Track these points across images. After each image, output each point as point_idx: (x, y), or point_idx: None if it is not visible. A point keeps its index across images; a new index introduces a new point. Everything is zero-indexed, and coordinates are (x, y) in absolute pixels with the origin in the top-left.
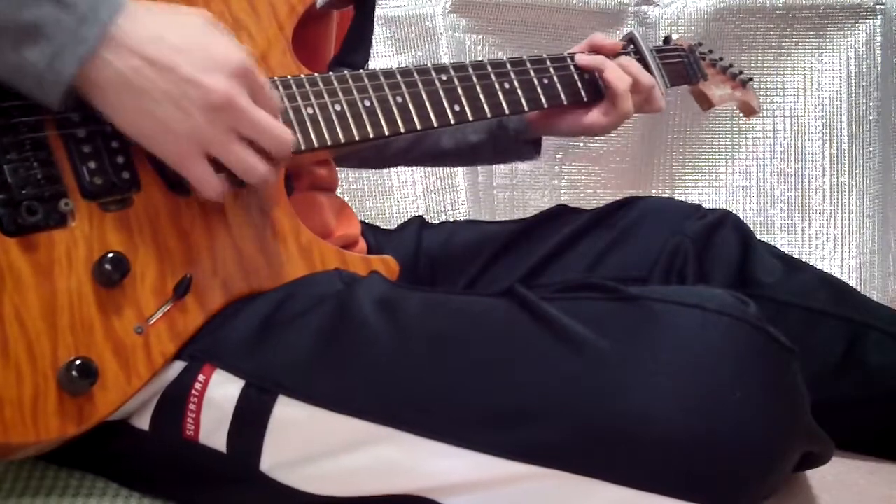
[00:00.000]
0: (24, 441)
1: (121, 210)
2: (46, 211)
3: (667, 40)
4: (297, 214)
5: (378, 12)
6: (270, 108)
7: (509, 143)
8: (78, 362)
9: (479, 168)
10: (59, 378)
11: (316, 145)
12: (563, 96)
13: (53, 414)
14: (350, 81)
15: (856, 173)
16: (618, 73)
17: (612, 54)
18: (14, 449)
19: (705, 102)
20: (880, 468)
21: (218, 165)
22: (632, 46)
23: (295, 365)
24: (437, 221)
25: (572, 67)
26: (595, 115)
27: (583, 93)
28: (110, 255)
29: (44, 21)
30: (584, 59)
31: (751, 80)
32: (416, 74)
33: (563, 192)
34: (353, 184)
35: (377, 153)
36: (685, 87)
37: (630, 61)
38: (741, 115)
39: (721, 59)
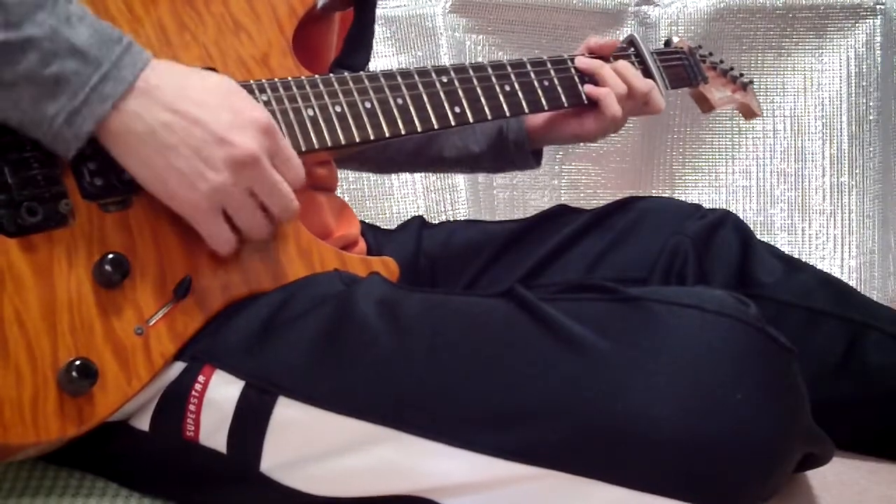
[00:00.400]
0: (24, 442)
1: (121, 211)
2: (47, 212)
3: (668, 43)
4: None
5: (378, 12)
6: (291, 172)
7: (509, 153)
8: (78, 363)
9: None
10: (58, 379)
11: (316, 146)
12: (563, 98)
13: (53, 415)
14: (350, 83)
15: (856, 173)
16: (611, 79)
17: (610, 52)
18: (14, 450)
19: (706, 105)
20: (880, 468)
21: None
22: (632, 49)
23: (295, 366)
24: (437, 221)
25: (573, 70)
26: (585, 121)
27: (583, 95)
28: (110, 255)
29: (66, 76)
30: (582, 62)
31: (751, 82)
32: (416, 76)
33: (563, 192)
34: (353, 184)
35: (380, 160)
36: (686, 90)
37: (626, 65)
38: (741, 115)
39: (722, 61)
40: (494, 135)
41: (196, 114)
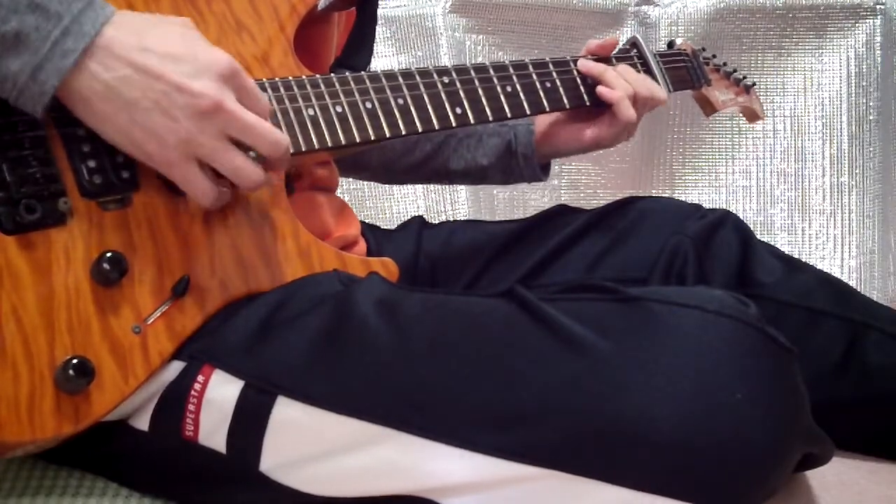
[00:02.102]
0: (20, 440)
1: (119, 209)
2: (45, 209)
3: (671, 44)
4: (297, 215)
5: (378, 12)
6: (259, 110)
7: (518, 166)
8: (75, 361)
9: None
10: (55, 377)
11: (317, 147)
12: (565, 100)
13: (50, 413)
14: (351, 83)
15: (856, 173)
16: (618, 82)
17: (611, 52)
18: (10, 447)
19: (708, 107)
20: (880, 468)
21: (216, 175)
22: (635, 50)
23: (294, 365)
24: (437, 221)
25: (575, 71)
26: (600, 128)
27: (585, 97)
28: (108, 254)
29: (26, 31)
30: (584, 65)
31: (754, 84)
32: (417, 76)
33: (563, 192)
34: (353, 184)
35: (386, 169)
36: (687, 91)
37: (629, 69)
38: (741, 115)
39: (725, 63)
40: (503, 147)
41: (155, 66)
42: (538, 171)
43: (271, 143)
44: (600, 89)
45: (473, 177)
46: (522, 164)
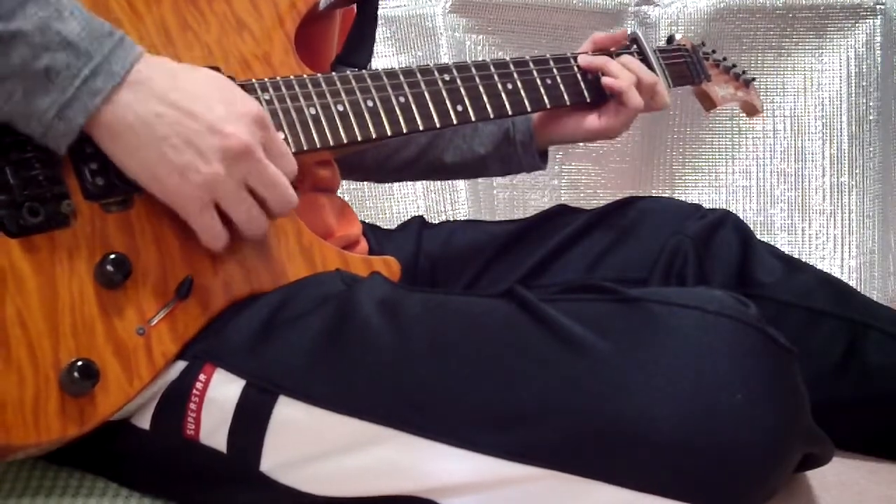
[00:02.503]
0: (26, 442)
1: (122, 211)
2: (48, 212)
3: (670, 40)
4: (299, 215)
5: (378, 11)
6: (284, 164)
7: (516, 154)
8: (79, 364)
9: None
10: (60, 379)
11: (318, 145)
12: (566, 96)
13: (55, 415)
14: (353, 81)
15: (856, 173)
16: (622, 72)
17: (616, 47)
18: (15, 450)
19: (708, 103)
20: (880, 468)
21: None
22: (635, 46)
23: (296, 365)
24: (437, 221)
25: (575, 68)
26: (606, 118)
27: (586, 93)
28: (112, 256)
29: (57, 69)
30: (585, 60)
31: (754, 79)
32: (418, 74)
33: (563, 192)
34: (353, 184)
35: (380, 166)
36: (687, 88)
37: (631, 59)
38: (741, 114)
39: (724, 59)
40: (500, 135)
41: (189, 105)
42: (537, 159)
43: (287, 202)
44: (605, 80)
45: (471, 168)
46: (521, 153)
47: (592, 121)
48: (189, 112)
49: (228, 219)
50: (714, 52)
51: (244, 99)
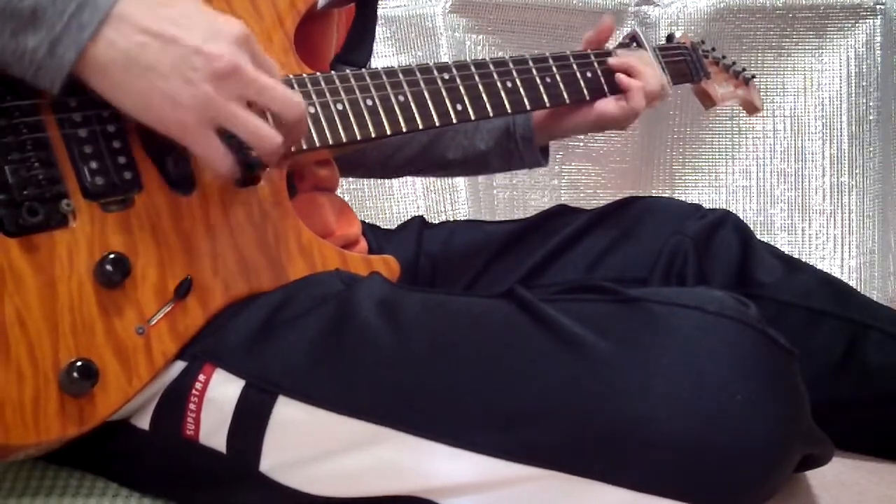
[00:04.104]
0: (25, 443)
1: (122, 210)
2: (47, 212)
3: (670, 38)
4: (298, 214)
5: (378, 12)
6: (271, 73)
7: (518, 149)
8: (79, 364)
9: None
10: (60, 379)
11: (318, 144)
12: (565, 94)
13: (54, 415)
14: (352, 80)
15: (856, 173)
16: (645, 74)
17: (606, 37)
18: (14, 450)
19: (708, 100)
20: (880, 468)
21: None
22: (634, 44)
23: (295, 365)
24: (437, 221)
25: (574, 66)
26: (606, 107)
27: (585, 91)
28: (111, 255)
29: (43, 7)
30: (614, 62)
31: (754, 77)
32: (418, 73)
33: (563, 192)
34: (353, 184)
35: (382, 164)
36: (686, 87)
37: (644, 54)
38: (741, 114)
39: (724, 56)
40: (501, 131)
41: (171, 32)
42: (538, 154)
43: (286, 102)
44: (620, 77)
45: (473, 165)
46: (522, 148)
47: (592, 115)
48: (172, 38)
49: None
50: (713, 49)
51: (224, 18)
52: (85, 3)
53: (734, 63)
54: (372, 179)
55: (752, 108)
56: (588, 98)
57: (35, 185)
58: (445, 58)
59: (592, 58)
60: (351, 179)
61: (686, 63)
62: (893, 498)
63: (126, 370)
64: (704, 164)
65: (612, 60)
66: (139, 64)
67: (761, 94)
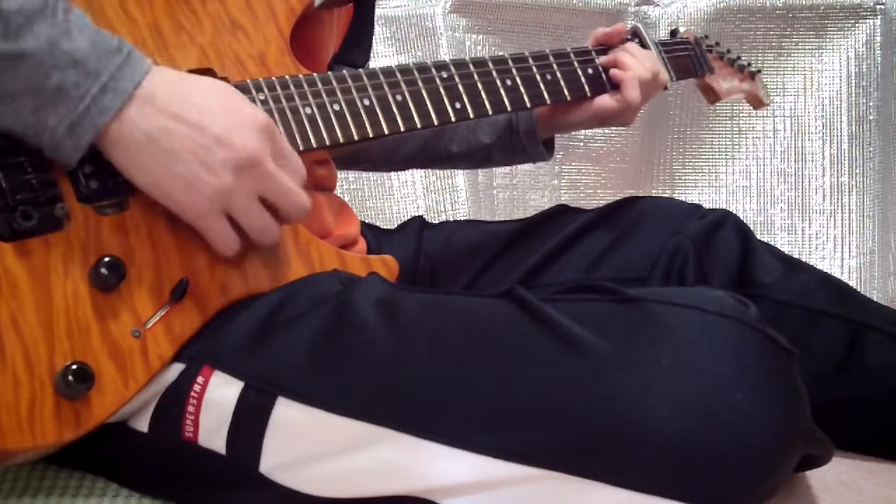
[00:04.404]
0: (21, 447)
1: (117, 214)
2: (42, 216)
3: (673, 33)
4: None
5: (378, 12)
6: (293, 171)
7: (520, 143)
8: (74, 367)
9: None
10: (55, 383)
11: (315, 146)
12: (566, 91)
13: (50, 419)
14: (349, 81)
15: (856, 173)
16: (633, 62)
17: (619, 39)
18: (11, 454)
19: (712, 95)
20: (880, 468)
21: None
22: (636, 40)
23: (294, 366)
24: (437, 221)
25: (575, 62)
26: (603, 101)
27: (586, 88)
28: (107, 259)
29: (66, 88)
30: (604, 59)
31: (759, 71)
32: (415, 72)
33: (563, 192)
34: (353, 184)
35: (386, 158)
36: (687, 88)
37: (634, 46)
38: (741, 114)
39: (728, 51)
40: (504, 125)
41: (195, 118)
42: (542, 148)
43: (300, 208)
44: (614, 72)
45: (476, 158)
46: (525, 142)
47: (591, 110)
48: (197, 125)
49: (238, 229)
50: (717, 44)
51: (251, 109)
52: (107, 87)
53: (739, 57)
54: (372, 180)
55: (757, 103)
56: (589, 94)
57: (29, 189)
58: (445, 58)
59: (594, 54)
60: (351, 179)
61: (689, 58)
62: (893, 498)
63: (122, 373)
64: (704, 164)
65: (600, 58)
66: (160, 147)
67: None
